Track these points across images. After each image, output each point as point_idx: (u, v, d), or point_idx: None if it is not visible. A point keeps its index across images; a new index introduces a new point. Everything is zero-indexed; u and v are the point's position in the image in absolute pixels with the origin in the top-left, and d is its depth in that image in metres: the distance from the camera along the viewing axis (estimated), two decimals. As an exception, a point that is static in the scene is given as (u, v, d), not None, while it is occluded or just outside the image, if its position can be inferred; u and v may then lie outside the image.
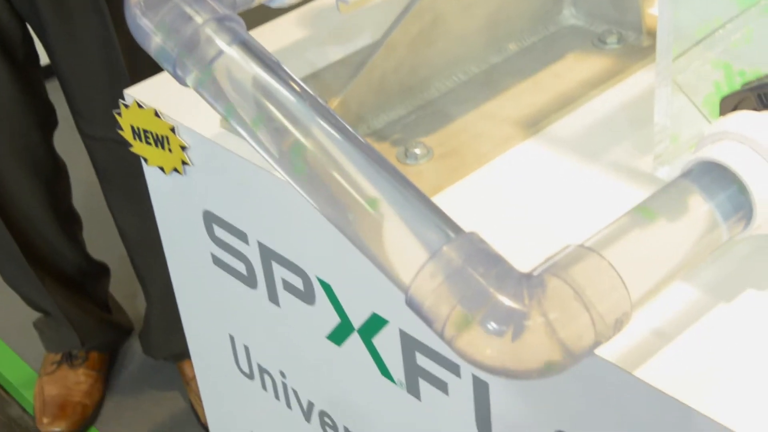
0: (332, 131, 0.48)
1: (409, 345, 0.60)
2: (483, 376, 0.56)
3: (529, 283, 0.43)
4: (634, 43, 0.69)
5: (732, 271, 0.52)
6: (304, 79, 0.70)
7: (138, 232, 1.22)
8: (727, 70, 0.54)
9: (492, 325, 0.42)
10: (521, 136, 0.63)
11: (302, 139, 0.48)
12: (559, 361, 0.43)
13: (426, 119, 0.65)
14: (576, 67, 0.68)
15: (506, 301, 0.42)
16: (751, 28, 0.55)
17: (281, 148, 0.49)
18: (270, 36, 0.77)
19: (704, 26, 0.55)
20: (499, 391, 0.55)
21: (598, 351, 0.48)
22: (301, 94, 0.49)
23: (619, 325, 0.43)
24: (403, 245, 0.44)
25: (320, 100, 0.49)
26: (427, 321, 0.43)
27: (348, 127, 0.48)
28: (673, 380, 0.47)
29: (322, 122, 0.48)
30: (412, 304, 0.44)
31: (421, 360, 0.59)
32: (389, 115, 0.65)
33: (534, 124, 0.64)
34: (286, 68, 0.51)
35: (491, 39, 0.69)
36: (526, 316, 0.42)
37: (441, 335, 0.43)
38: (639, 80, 0.67)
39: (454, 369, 0.57)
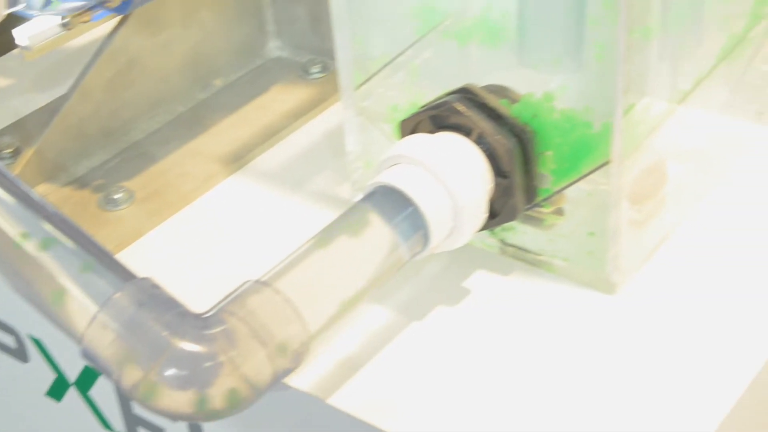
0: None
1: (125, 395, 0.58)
2: (197, 417, 0.55)
3: (205, 324, 0.42)
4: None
5: (423, 290, 0.54)
6: (5, 129, 0.68)
7: None
8: (409, 93, 0.56)
9: (170, 371, 0.42)
10: (225, 173, 0.63)
11: None
12: (244, 398, 0.43)
13: (129, 162, 0.64)
14: (281, 99, 0.69)
15: (182, 345, 0.42)
16: (429, 52, 0.57)
17: None
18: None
19: (385, 53, 0.57)
20: (212, 429, 0.55)
21: (292, 381, 0.48)
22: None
23: (299, 356, 0.44)
24: (74, 299, 0.43)
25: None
26: (105, 373, 0.43)
27: (16, 182, 0.46)
28: (365, 405, 0.48)
29: None
30: (87, 357, 0.43)
31: (137, 408, 0.58)
32: (91, 161, 0.64)
33: (238, 158, 0.64)
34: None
35: (195, 76, 0.69)
36: (204, 357, 0.42)
37: (119, 387, 0.42)
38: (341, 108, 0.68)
39: (170, 413, 0.56)
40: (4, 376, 0.66)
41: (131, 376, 0.42)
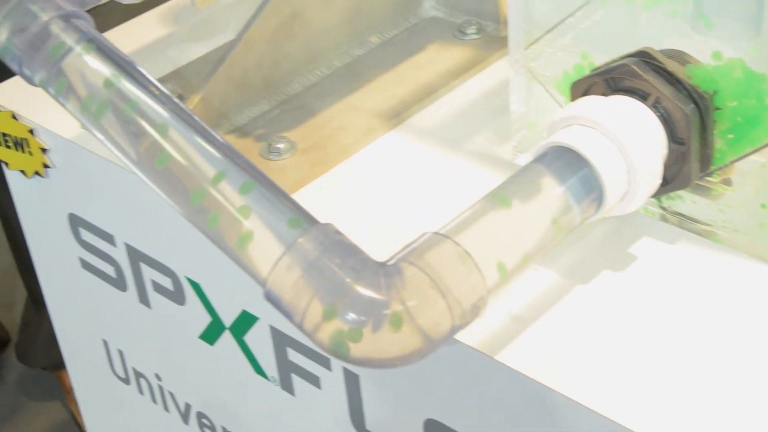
0: (188, 132, 0.47)
1: (280, 341, 0.60)
2: (353, 368, 0.56)
3: (385, 272, 0.43)
4: (493, 33, 0.70)
5: (588, 254, 0.53)
6: (166, 77, 0.69)
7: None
8: (578, 56, 0.55)
9: (351, 316, 0.42)
10: (384, 128, 0.64)
11: (159, 141, 0.47)
12: (419, 349, 0.43)
13: (289, 114, 0.65)
14: (437, 58, 0.69)
15: (364, 291, 0.42)
16: (599, 15, 0.56)
17: (138, 151, 0.48)
18: (132, 33, 0.76)
19: (555, 14, 0.56)
20: (369, 382, 0.56)
21: (459, 337, 0.49)
22: (155, 94, 0.48)
23: (476, 310, 0.44)
24: (259, 240, 0.44)
25: (175, 99, 0.49)
26: (287, 315, 0.43)
27: (203, 125, 0.47)
28: (533, 363, 0.48)
29: (177, 123, 0.47)
30: (270, 298, 0.44)
31: (293, 355, 0.59)
32: (252, 111, 0.65)
33: (396, 115, 0.64)
34: (137, 66, 0.50)
35: (353, 32, 0.70)
36: (384, 305, 0.42)
37: (301, 328, 0.43)
38: (498, 69, 0.68)
39: (325, 362, 0.57)
40: (159, 318, 0.68)
41: (313, 319, 0.42)
